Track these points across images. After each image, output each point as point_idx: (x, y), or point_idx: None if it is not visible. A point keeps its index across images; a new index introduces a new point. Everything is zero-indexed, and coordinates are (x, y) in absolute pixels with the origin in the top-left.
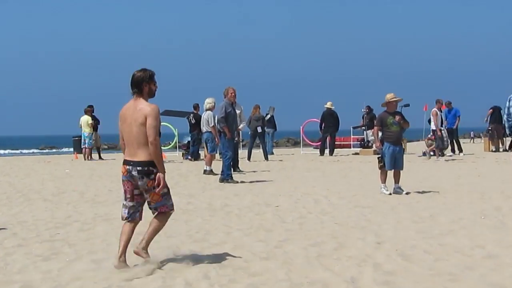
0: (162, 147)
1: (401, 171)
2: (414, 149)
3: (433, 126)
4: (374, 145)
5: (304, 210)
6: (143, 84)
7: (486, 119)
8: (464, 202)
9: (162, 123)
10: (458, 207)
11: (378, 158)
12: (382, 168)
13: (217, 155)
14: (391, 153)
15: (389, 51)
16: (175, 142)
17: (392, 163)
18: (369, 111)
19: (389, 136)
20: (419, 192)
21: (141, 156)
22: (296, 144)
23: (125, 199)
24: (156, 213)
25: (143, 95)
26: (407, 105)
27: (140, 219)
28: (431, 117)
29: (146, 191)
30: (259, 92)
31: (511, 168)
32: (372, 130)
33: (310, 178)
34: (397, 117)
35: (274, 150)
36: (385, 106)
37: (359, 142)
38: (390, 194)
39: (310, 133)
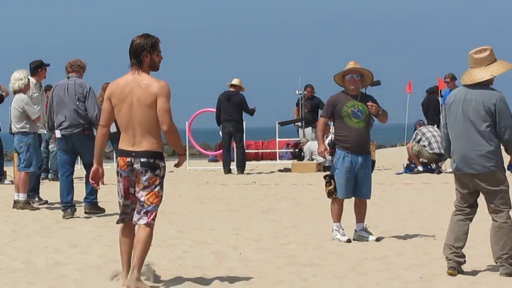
0: None
1: (367, 201)
2: (390, 161)
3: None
4: (317, 152)
5: (196, 270)
6: (143, 54)
7: None
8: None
9: None
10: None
11: (326, 177)
12: (333, 195)
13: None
14: (349, 168)
15: None
16: None
17: (350, 186)
18: (310, 94)
19: (346, 137)
20: (399, 237)
21: (146, 145)
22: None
23: (120, 197)
24: (141, 224)
25: (143, 67)
26: (377, 83)
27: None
28: None
29: (144, 188)
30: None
31: None
32: (315, 125)
33: (206, 214)
34: (369, 105)
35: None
36: (340, 84)
37: (291, 150)
38: (349, 240)
39: (205, 133)
